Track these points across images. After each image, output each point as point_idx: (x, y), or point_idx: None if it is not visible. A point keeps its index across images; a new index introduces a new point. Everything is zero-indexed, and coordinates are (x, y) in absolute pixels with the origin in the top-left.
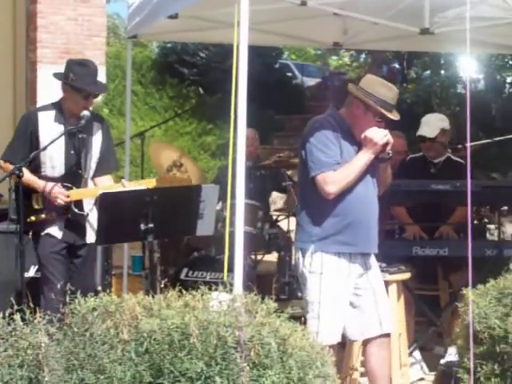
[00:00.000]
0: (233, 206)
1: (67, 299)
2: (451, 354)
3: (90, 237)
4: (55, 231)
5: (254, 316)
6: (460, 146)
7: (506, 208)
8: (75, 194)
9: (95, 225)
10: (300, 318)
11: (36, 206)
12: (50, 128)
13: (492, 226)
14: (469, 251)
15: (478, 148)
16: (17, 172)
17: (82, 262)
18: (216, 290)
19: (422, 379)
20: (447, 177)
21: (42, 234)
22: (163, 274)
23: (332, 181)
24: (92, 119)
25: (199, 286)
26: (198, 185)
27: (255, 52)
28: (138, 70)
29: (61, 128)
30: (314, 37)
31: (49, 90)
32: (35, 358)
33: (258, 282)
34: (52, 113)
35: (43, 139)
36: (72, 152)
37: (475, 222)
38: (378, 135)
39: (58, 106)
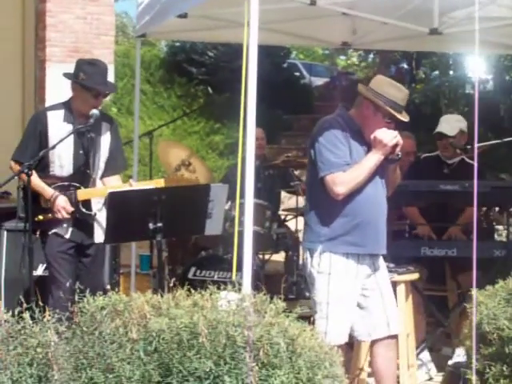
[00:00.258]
0: (241, 205)
1: (76, 298)
2: (459, 355)
3: (99, 236)
4: (63, 230)
5: (263, 316)
6: (469, 147)
7: None
8: (83, 193)
9: (104, 224)
10: (308, 318)
11: (44, 205)
12: (59, 127)
13: (500, 227)
14: (474, 252)
15: (487, 149)
16: (26, 171)
17: (90, 262)
18: (224, 289)
19: (430, 379)
20: (460, 178)
21: (50, 233)
22: (171, 273)
23: (341, 181)
24: (101, 119)
25: (207, 286)
26: (206, 184)
27: (264, 51)
28: (147, 68)
29: (70, 127)
30: (322, 36)
31: (57, 88)
32: (45, 357)
33: (265, 281)
34: (61, 112)
35: (52, 139)
36: (81, 152)
37: (484, 223)
38: (388, 136)
39: (67, 106)
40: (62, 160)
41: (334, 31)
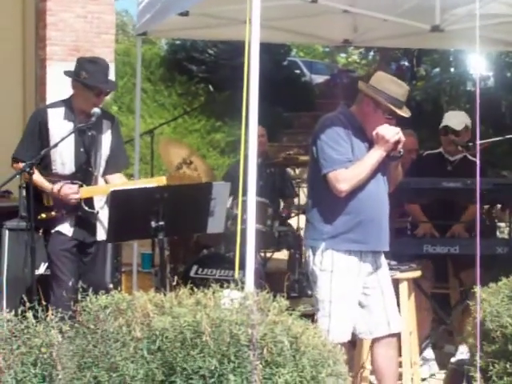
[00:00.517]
0: (244, 203)
1: (78, 297)
2: (462, 353)
3: (101, 234)
4: (65, 229)
5: (267, 314)
6: (471, 144)
7: None
8: (85, 191)
9: (106, 222)
10: (311, 316)
11: (46, 204)
12: (59, 125)
13: (502, 224)
14: (477, 249)
15: (489, 146)
16: (27, 169)
17: (92, 260)
18: (226, 287)
19: (432, 375)
20: (463, 175)
21: (52, 231)
22: (173, 271)
23: (344, 178)
24: (102, 116)
25: (209, 284)
26: (208, 182)
27: (264, 49)
28: (147, 67)
29: (70, 125)
30: (323, 34)
31: (58, 87)
32: (49, 356)
33: (267, 279)
34: (61, 110)
35: (53, 136)
36: (82, 150)
37: (486, 220)
38: (390, 132)
39: (67, 104)
40: (64, 158)
41: (335, 29)
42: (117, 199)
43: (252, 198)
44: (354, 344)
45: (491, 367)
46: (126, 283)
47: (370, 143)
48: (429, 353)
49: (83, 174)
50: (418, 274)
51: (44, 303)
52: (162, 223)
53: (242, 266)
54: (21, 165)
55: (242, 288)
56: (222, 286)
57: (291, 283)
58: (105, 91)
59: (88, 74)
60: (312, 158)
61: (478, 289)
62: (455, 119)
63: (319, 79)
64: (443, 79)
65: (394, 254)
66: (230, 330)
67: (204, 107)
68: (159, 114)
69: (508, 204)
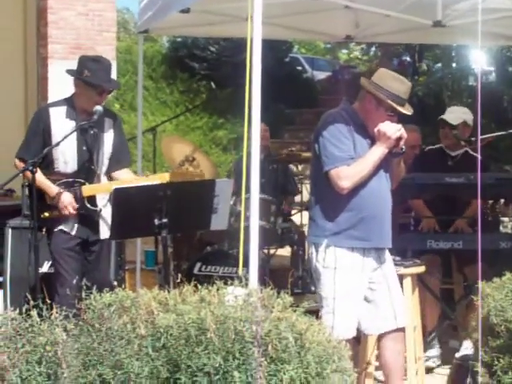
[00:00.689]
0: (247, 200)
1: (83, 295)
2: (467, 348)
3: (104, 232)
4: (68, 227)
5: (271, 311)
6: (474, 139)
7: None
8: (88, 189)
9: (109, 220)
10: (315, 313)
11: (49, 202)
12: (61, 124)
13: (506, 219)
14: (478, 243)
15: (491, 140)
16: (30, 168)
17: (96, 258)
18: (230, 284)
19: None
20: (464, 170)
21: (56, 229)
22: (176, 268)
23: (346, 175)
24: (104, 115)
25: (213, 281)
26: (211, 179)
27: (266, 46)
28: (149, 64)
29: (72, 124)
30: (325, 30)
31: (60, 85)
32: (53, 355)
33: (271, 276)
34: (63, 108)
35: (55, 135)
36: (84, 148)
37: (489, 215)
38: (392, 129)
39: (69, 102)
40: (66, 156)
41: (336, 25)
42: (120, 197)
43: (255, 195)
44: (358, 340)
45: (496, 362)
46: (130, 281)
47: (372, 140)
48: (433, 351)
49: (86, 172)
50: (422, 269)
51: (48, 301)
52: (165, 220)
53: (246, 263)
54: (23, 164)
55: (246, 285)
56: (225, 283)
57: (295, 280)
58: (107, 90)
59: (90, 72)
60: (314, 155)
61: (480, 283)
62: (453, 114)
63: (321, 75)
64: (445, 74)
65: (398, 249)
66: (235, 327)
67: (206, 104)
68: (161, 112)
69: (511, 199)
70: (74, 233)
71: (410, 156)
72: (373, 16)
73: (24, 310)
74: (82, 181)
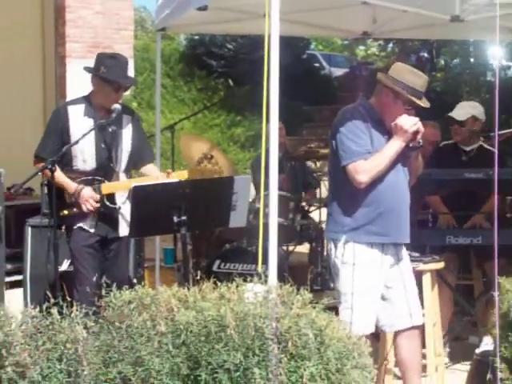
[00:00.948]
0: (266, 197)
1: (102, 292)
2: (487, 344)
3: (123, 230)
4: (88, 225)
5: (290, 307)
6: (492, 134)
7: None
8: (107, 187)
9: (128, 218)
10: (335, 309)
11: (68, 200)
12: (80, 122)
13: None
14: (495, 239)
15: (509, 136)
16: (49, 167)
17: (114, 256)
18: (250, 281)
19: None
20: (479, 165)
21: (75, 227)
22: (195, 266)
23: (363, 170)
24: (122, 112)
25: (232, 278)
26: (230, 176)
27: (283, 43)
28: (167, 62)
29: (91, 122)
30: (343, 26)
31: (78, 84)
32: (74, 352)
33: (290, 273)
34: (82, 106)
35: (74, 133)
36: (103, 145)
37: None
38: (408, 123)
39: (87, 100)
40: (85, 154)
41: (353, 21)
42: (139, 195)
43: (274, 192)
44: (377, 336)
45: None
46: (149, 278)
47: (390, 135)
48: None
49: (104, 169)
50: (441, 265)
51: (68, 299)
52: (184, 218)
53: (265, 260)
54: (42, 162)
55: (265, 282)
56: (244, 280)
57: (314, 276)
58: (124, 86)
59: (107, 68)
60: (332, 151)
61: (498, 279)
62: (461, 110)
63: (338, 72)
64: (463, 70)
65: (417, 245)
66: (255, 324)
67: (224, 102)
68: (179, 110)
69: None
70: (93, 230)
71: (428, 151)
72: (390, 12)
73: (44, 308)
74: (101, 178)
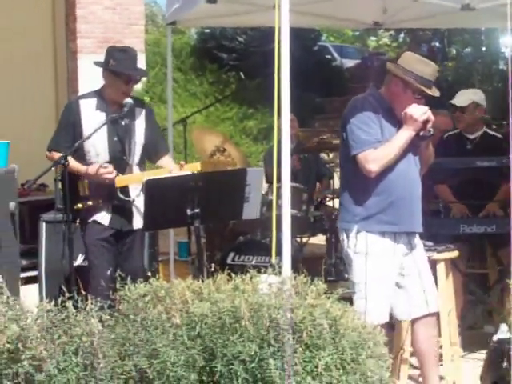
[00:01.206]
0: (278, 189)
1: (117, 285)
2: (503, 332)
3: (137, 222)
4: (102, 218)
5: (305, 298)
6: (504, 123)
7: None
8: (121, 180)
9: (142, 210)
10: (350, 299)
11: (82, 193)
12: (92, 116)
13: None
14: (511, 227)
15: None
16: (62, 161)
17: (128, 249)
18: (264, 273)
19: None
20: (484, 152)
21: (89, 221)
22: (209, 259)
23: (373, 159)
24: (134, 105)
25: (247, 270)
26: (243, 168)
27: (294, 35)
28: (178, 56)
29: (103, 116)
30: (353, 16)
31: (90, 79)
32: (90, 345)
33: (304, 264)
34: (93, 100)
35: (86, 127)
36: (115, 139)
37: None
38: (418, 112)
39: (99, 94)
40: (98, 148)
41: (364, 11)
42: (151, 188)
43: (286, 184)
44: (392, 326)
45: None
46: (164, 272)
47: (400, 124)
48: None
49: (117, 163)
50: (455, 254)
51: (83, 293)
52: (197, 211)
53: (279, 252)
54: (55, 156)
55: (280, 273)
56: (259, 272)
57: (328, 267)
58: (134, 78)
59: (116, 61)
60: (342, 142)
61: None
62: (462, 97)
63: (350, 63)
64: (475, 59)
65: (431, 234)
66: (269, 315)
67: (235, 95)
68: (191, 103)
69: None
70: (107, 224)
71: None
72: (401, 1)
73: (59, 302)
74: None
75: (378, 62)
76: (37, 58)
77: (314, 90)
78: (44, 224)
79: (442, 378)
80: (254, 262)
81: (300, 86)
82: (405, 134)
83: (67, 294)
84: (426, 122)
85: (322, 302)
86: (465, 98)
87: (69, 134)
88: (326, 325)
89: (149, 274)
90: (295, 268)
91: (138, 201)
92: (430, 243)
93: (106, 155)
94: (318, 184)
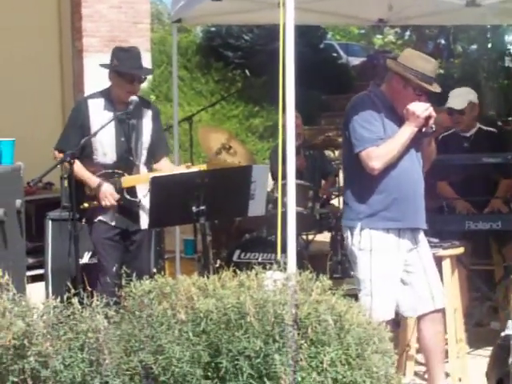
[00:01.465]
0: (284, 186)
1: (123, 282)
2: (510, 328)
3: (144, 222)
4: (108, 218)
5: (310, 293)
6: (510, 119)
7: None
8: (128, 180)
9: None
10: (355, 296)
11: (88, 193)
12: (100, 116)
13: None
14: None
15: None
16: (67, 159)
17: (136, 247)
18: (269, 269)
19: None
20: (481, 148)
21: (95, 220)
22: (215, 256)
23: (376, 156)
24: (141, 105)
25: (252, 267)
26: (248, 165)
27: (301, 33)
28: (183, 55)
29: (110, 115)
30: (358, 14)
31: (96, 78)
32: (95, 341)
33: (310, 262)
34: (101, 101)
35: (94, 127)
36: (122, 139)
37: None
38: (420, 108)
39: (106, 95)
40: (105, 147)
41: (369, 8)
42: (157, 185)
43: (292, 181)
44: (397, 323)
45: None
46: (170, 269)
47: (402, 121)
48: None
49: (125, 163)
50: (460, 250)
51: (89, 290)
52: (203, 208)
53: (284, 249)
54: (62, 155)
55: (285, 269)
56: (264, 269)
57: (334, 264)
58: (137, 77)
59: (119, 61)
60: (345, 139)
61: None
62: (457, 98)
63: (356, 61)
64: (480, 56)
65: (436, 231)
66: (274, 311)
67: (241, 93)
68: (197, 102)
69: None
70: (113, 223)
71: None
72: None
73: (65, 299)
74: (122, 172)
75: (383, 59)
76: (43, 57)
77: (320, 88)
78: (50, 222)
79: (447, 375)
80: (260, 260)
81: (306, 83)
82: (407, 131)
83: (73, 291)
84: (428, 118)
85: (327, 297)
86: (461, 99)
87: (77, 134)
88: (331, 320)
89: (154, 270)
90: (301, 265)
91: (145, 201)
92: (436, 240)
93: (113, 155)
94: (323, 181)
